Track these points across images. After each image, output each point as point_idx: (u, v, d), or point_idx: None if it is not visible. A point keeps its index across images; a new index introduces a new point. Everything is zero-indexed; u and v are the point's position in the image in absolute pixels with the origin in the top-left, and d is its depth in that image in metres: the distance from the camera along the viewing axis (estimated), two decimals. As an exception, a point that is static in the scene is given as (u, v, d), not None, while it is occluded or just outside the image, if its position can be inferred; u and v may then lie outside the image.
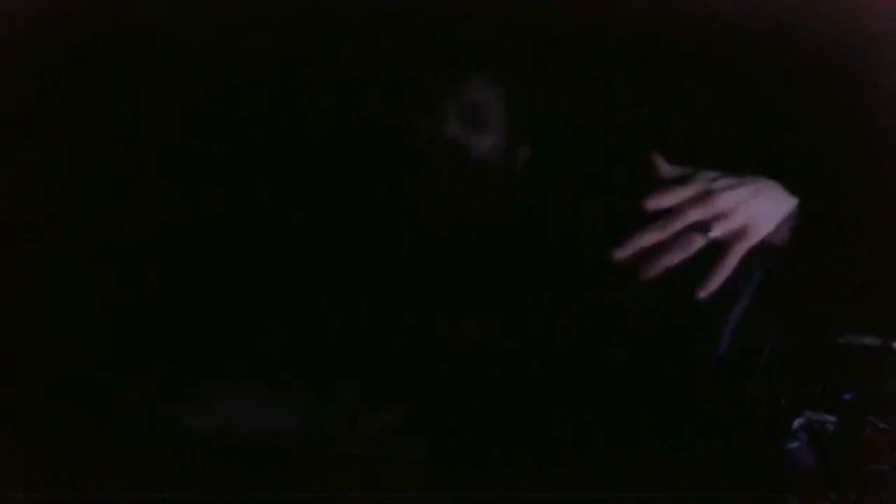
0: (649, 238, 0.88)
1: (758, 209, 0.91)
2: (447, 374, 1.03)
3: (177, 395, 1.06)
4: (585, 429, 0.98)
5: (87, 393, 1.08)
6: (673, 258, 0.88)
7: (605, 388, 0.99)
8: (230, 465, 1.00)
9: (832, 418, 0.91)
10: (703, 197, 0.89)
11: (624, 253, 0.88)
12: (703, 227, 0.89)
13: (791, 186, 0.98)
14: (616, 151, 1.14)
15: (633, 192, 0.89)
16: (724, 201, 0.89)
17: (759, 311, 0.95)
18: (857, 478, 0.89)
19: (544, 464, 0.96)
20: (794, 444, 0.91)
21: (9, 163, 1.16)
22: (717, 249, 0.89)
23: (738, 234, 0.90)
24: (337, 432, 1.01)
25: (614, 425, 0.97)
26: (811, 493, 0.89)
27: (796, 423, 0.91)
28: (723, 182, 0.91)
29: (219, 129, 1.25)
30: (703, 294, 0.89)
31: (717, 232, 0.89)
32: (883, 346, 0.95)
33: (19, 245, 1.16)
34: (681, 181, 0.90)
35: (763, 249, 0.96)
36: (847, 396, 0.92)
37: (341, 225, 1.17)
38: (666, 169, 0.91)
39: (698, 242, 0.88)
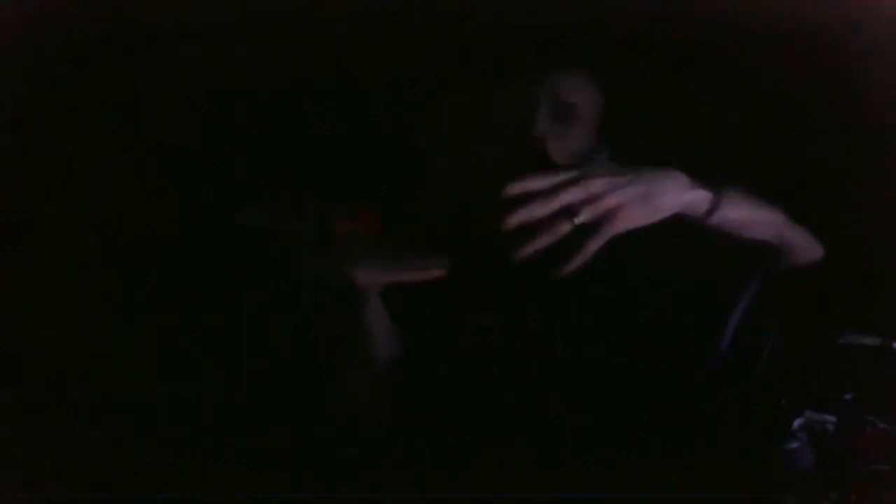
0: (518, 219, 0.87)
1: (633, 194, 0.90)
2: (447, 374, 1.03)
3: (178, 395, 1.06)
4: (585, 429, 0.98)
5: (87, 393, 1.08)
6: (542, 241, 0.88)
7: (605, 388, 1.00)
8: (230, 465, 1.00)
9: (832, 418, 0.91)
10: (575, 182, 0.89)
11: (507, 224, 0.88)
12: (571, 211, 0.88)
13: (791, 187, 0.98)
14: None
15: None
16: (594, 186, 0.89)
17: (759, 311, 0.95)
18: (857, 478, 0.89)
19: (544, 464, 0.96)
20: (794, 444, 0.91)
21: (9, 163, 1.16)
22: (587, 233, 0.89)
23: (607, 218, 0.89)
24: (337, 432, 1.01)
25: (614, 425, 0.97)
26: (811, 493, 0.89)
27: (796, 423, 0.91)
28: (607, 170, 0.91)
29: (244, 129, 1.25)
30: (559, 275, 0.89)
31: (585, 216, 0.88)
32: (883, 346, 0.95)
33: (19, 245, 1.16)
34: (569, 168, 0.90)
35: (760, 250, 0.97)
36: (847, 396, 0.92)
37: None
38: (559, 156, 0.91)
39: (565, 226, 0.88)
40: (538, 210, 0.88)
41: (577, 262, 0.88)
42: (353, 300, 1.00)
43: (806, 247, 1.02)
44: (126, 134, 1.21)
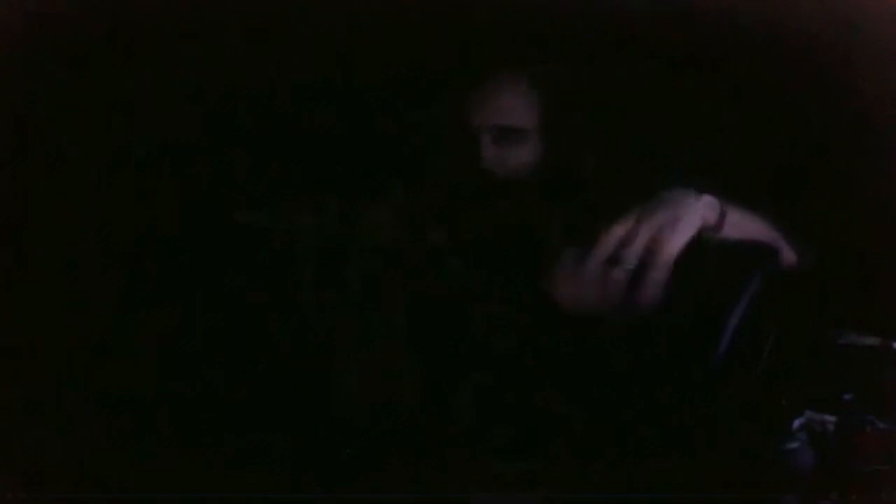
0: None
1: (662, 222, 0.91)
2: (446, 374, 1.03)
3: (178, 395, 1.06)
4: (586, 429, 0.98)
5: (87, 392, 1.08)
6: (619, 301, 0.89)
7: (605, 387, 1.00)
8: (230, 465, 1.00)
9: (832, 418, 0.91)
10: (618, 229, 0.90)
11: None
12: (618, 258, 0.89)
13: (791, 187, 0.98)
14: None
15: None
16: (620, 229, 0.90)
17: (759, 311, 0.95)
18: (857, 478, 0.89)
19: (545, 464, 0.96)
20: (794, 444, 0.91)
21: (9, 163, 1.16)
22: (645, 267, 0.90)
23: (655, 247, 0.90)
24: (337, 432, 1.01)
25: (615, 425, 0.97)
26: (811, 493, 0.89)
27: (796, 423, 0.91)
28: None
29: (242, 129, 1.25)
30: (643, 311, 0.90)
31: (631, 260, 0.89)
32: (883, 346, 0.95)
33: (19, 245, 1.16)
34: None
35: (760, 250, 0.97)
36: (847, 396, 0.92)
37: (348, 224, 1.16)
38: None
39: (621, 275, 0.89)
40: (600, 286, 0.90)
41: (653, 292, 0.89)
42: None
43: (789, 250, 1.03)
44: (126, 134, 1.21)
